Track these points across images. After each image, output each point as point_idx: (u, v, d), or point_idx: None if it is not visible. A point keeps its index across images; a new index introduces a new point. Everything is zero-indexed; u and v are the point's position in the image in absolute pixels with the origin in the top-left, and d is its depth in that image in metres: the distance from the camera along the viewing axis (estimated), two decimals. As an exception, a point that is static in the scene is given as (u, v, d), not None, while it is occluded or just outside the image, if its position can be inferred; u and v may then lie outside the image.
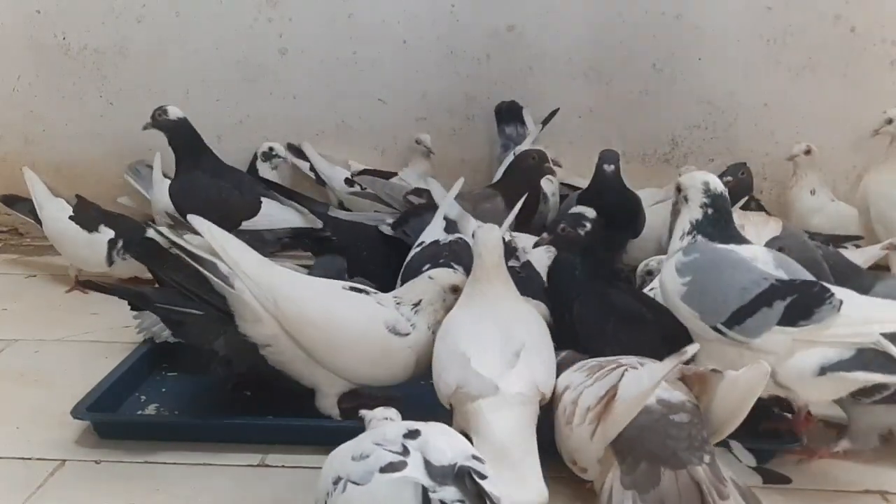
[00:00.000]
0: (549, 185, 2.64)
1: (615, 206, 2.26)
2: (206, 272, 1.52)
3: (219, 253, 1.54)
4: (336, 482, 1.09)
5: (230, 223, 2.09)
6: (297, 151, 2.96)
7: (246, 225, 2.31)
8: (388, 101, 2.95)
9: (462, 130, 2.96)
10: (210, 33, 2.91)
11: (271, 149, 2.83)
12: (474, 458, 1.11)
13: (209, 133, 2.94)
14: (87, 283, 2.34)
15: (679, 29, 2.86)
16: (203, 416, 1.74)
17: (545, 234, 1.79)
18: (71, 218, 2.52)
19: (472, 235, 1.67)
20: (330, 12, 2.89)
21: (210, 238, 1.56)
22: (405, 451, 1.08)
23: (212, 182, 2.37)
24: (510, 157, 2.60)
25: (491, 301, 1.56)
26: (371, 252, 2.24)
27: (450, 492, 1.03)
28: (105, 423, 1.67)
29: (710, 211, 1.58)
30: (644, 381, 1.26)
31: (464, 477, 1.04)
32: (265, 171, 2.79)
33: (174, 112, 2.41)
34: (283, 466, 1.57)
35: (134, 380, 1.86)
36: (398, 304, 1.66)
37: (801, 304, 1.43)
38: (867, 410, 1.55)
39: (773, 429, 1.60)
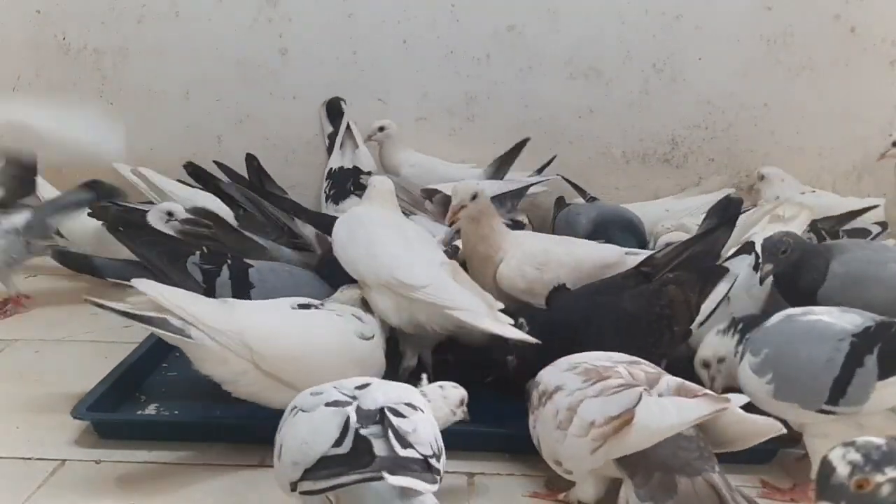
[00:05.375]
0: None
1: None
2: (159, 330, 1.52)
3: (173, 311, 1.53)
4: (292, 410, 1.28)
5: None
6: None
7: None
8: (388, 101, 2.96)
9: (462, 130, 2.96)
10: (210, 33, 2.91)
11: None
12: (407, 405, 1.25)
13: (209, 133, 2.97)
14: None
15: (679, 29, 2.86)
16: (203, 416, 1.74)
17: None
18: None
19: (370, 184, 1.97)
20: (330, 12, 2.88)
21: (161, 299, 1.54)
22: (353, 398, 1.25)
23: None
24: None
25: (396, 218, 1.90)
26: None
27: (373, 429, 1.20)
28: (105, 423, 1.67)
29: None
30: (672, 417, 1.24)
31: (383, 416, 1.20)
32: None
33: None
34: (282, 466, 1.57)
35: (134, 380, 1.86)
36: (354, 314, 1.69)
37: (891, 349, 1.37)
38: None
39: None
